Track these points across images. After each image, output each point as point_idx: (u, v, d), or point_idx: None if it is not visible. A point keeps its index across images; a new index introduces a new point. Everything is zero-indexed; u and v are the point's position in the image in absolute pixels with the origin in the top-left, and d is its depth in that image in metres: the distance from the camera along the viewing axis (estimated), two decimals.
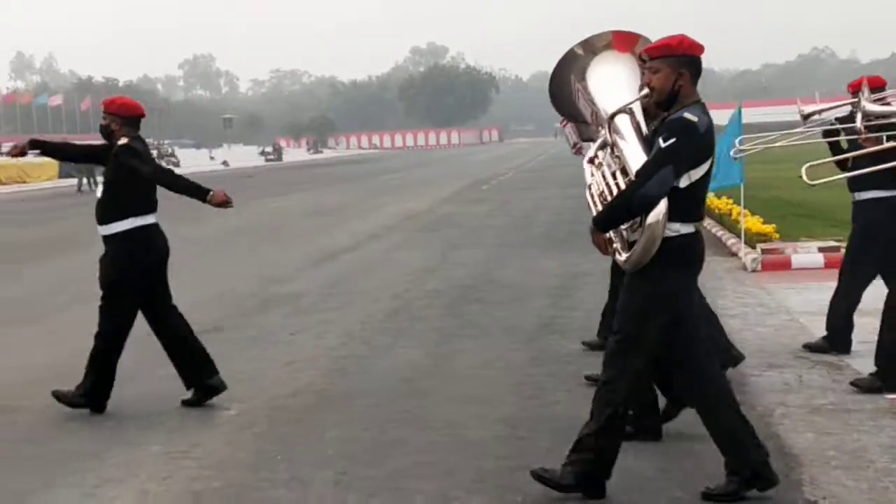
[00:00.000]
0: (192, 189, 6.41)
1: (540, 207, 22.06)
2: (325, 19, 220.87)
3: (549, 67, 5.39)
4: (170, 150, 67.31)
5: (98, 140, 6.76)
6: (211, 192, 6.37)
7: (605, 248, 4.76)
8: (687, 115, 4.52)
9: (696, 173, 4.52)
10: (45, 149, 6.64)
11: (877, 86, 6.79)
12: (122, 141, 6.44)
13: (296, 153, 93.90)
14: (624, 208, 4.56)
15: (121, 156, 6.38)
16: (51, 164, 49.32)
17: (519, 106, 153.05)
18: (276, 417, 6.32)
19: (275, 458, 5.50)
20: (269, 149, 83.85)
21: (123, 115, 6.55)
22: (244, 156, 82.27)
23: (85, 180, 38.13)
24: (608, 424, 4.58)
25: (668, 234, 4.53)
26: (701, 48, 4.63)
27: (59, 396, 6.47)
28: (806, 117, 7.75)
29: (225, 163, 70.49)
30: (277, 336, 8.74)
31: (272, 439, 5.88)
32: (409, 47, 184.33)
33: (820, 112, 7.73)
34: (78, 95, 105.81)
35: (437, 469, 5.18)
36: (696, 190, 4.55)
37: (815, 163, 5.94)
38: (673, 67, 4.56)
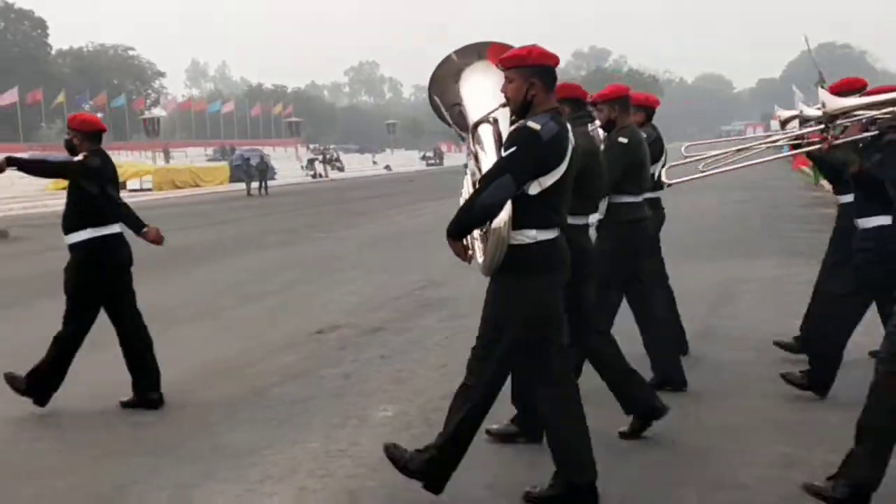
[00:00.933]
0: (130, 219, 6.74)
1: (702, 212, 21.64)
2: (488, 26, 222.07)
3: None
4: (335, 155, 68.99)
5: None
6: (145, 228, 6.75)
7: (463, 255, 4.75)
8: (530, 123, 4.57)
9: (548, 180, 4.55)
10: (22, 165, 6.89)
11: (855, 87, 6.57)
12: (80, 157, 6.78)
13: (457, 157, 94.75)
14: (467, 216, 4.58)
15: (75, 172, 6.74)
16: (223, 168, 51.30)
17: (684, 108, 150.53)
18: (431, 420, 6.41)
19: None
20: (430, 153, 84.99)
21: (84, 130, 6.89)
22: (406, 160, 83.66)
23: (255, 184, 39.51)
24: (456, 430, 4.76)
25: (525, 240, 4.59)
26: (553, 58, 4.71)
27: (9, 379, 6.86)
28: (784, 123, 7.47)
29: (387, 167, 71.80)
30: (433, 339, 8.86)
31: (428, 441, 5.97)
32: (571, 51, 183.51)
33: (796, 117, 7.34)
34: (248, 102, 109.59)
35: (622, 483, 5.15)
36: (550, 197, 4.58)
37: (675, 163, 6.47)
38: (525, 77, 4.64)
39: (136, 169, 46.70)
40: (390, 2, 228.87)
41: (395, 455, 4.92)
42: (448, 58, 5.28)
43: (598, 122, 6.60)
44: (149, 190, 44.26)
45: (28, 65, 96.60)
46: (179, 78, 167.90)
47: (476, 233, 4.73)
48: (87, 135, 6.87)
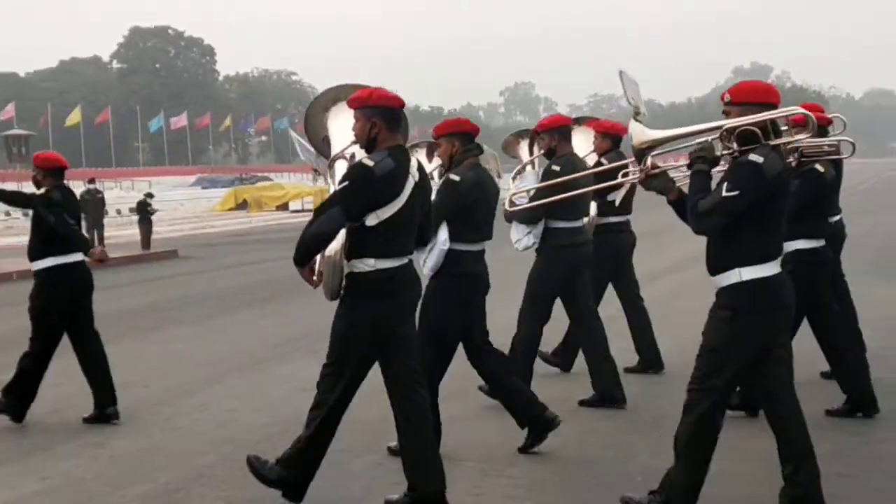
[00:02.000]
0: (81, 243, 7.34)
1: (872, 233, 20.85)
2: (647, 48, 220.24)
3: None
4: (500, 175, 69.32)
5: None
6: (91, 249, 7.39)
7: (310, 280, 5.07)
8: (365, 160, 4.95)
9: (385, 213, 4.90)
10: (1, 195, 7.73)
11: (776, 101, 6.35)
12: (41, 191, 7.37)
13: None
14: (303, 244, 4.94)
15: (37, 205, 7.33)
16: None
17: (851, 125, 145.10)
18: (587, 441, 6.36)
19: (588, 483, 5.54)
20: None
21: (45, 167, 7.47)
22: None
23: None
24: (306, 445, 5.07)
25: (364, 268, 4.95)
26: (395, 100, 5.09)
27: None
28: (643, 151, 7.03)
29: None
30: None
31: (583, 462, 5.93)
32: (731, 67, 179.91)
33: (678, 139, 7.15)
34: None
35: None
36: (388, 228, 4.91)
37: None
38: (367, 117, 5.02)
39: (298, 191, 47.88)
40: (547, 24, 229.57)
41: (254, 465, 5.20)
42: (325, 92, 5.74)
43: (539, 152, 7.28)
44: (310, 211, 45.25)
45: (197, 90, 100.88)
46: None
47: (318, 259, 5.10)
48: (50, 171, 7.47)
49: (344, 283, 5.02)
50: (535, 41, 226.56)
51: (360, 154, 5.16)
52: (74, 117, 74.63)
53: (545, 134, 6.97)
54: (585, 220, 7.32)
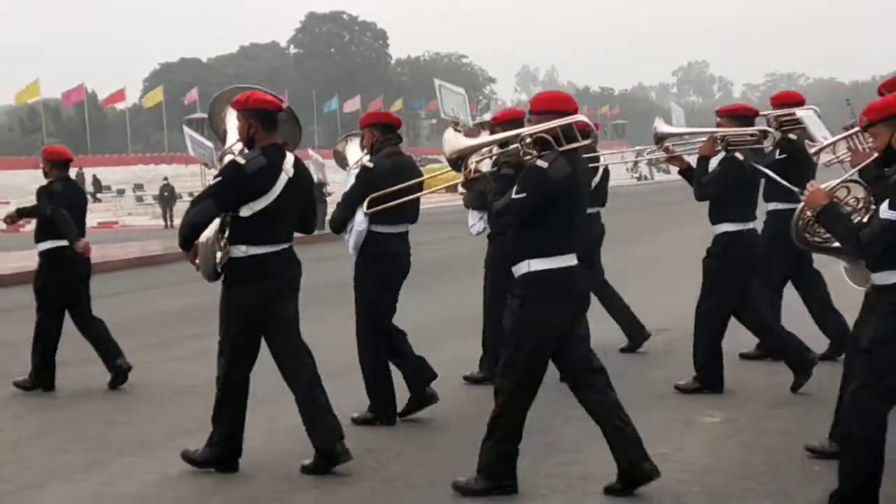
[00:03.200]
0: (69, 233, 8.03)
1: None
2: (827, 21, 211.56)
3: None
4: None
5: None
6: (76, 242, 8.01)
7: (193, 263, 5.82)
8: (238, 158, 5.63)
9: (257, 205, 5.52)
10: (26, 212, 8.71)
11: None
12: (45, 182, 8.25)
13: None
14: (181, 232, 5.68)
15: (40, 194, 8.20)
16: None
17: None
18: (759, 427, 6.23)
19: (758, 469, 5.44)
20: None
21: (52, 160, 8.30)
22: None
23: None
24: (214, 416, 5.74)
25: (238, 254, 5.59)
26: (271, 104, 5.66)
27: (18, 384, 8.19)
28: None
29: None
30: (751, 346, 8.41)
31: (756, 450, 5.81)
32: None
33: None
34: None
35: None
36: (261, 218, 5.54)
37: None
38: (245, 118, 5.62)
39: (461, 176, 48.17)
40: (721, 1, 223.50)
41: (186, 454, 5.83)
42: (224, 91, 6.37)
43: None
44: None
45: (369, 74, 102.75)
46: (510, 83, 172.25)
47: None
48: (56, 164, 8.29)
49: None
50: (711, 19, 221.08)
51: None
52: None
53: (499, 127, 7.11)
54: None
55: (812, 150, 6.92)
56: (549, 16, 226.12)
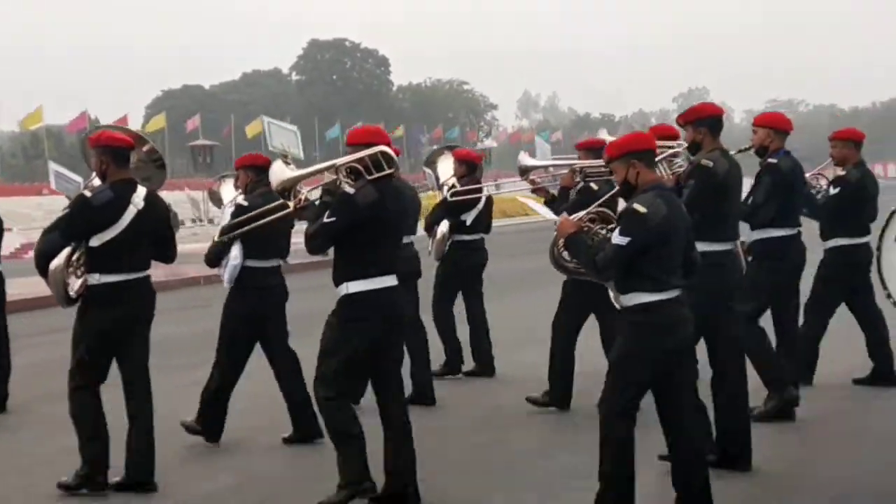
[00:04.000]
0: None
1: None
2: (824, 48, 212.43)
3: None
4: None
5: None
6: None
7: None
8: (85, 191, 6.19)
9: (105, 235, 5.99)
10: None
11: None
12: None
13: None
14: (35, 261, 6.21)
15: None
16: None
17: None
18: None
19: None
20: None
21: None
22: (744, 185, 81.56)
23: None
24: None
25: (92, 281, 6.06)
26: (120, 140, 6.16)
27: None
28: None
29: None
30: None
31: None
32: None
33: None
34: (576, 131, 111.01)
35: None
36: (111, 248, 6.02)
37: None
38: (98, 154, 6.16)
39: None
40: (720, 30, 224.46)
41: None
42: (93, 129, 6.97)
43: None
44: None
45: (371, 100, 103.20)
46: (511, 109, 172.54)
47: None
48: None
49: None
50: (710, 44, 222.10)
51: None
52: (255, 128, 77.22)
53: (463, 165, 7.89)
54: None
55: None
56: (550, 41, 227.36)
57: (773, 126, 7.52)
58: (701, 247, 5.66)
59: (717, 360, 6.25)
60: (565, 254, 5.74)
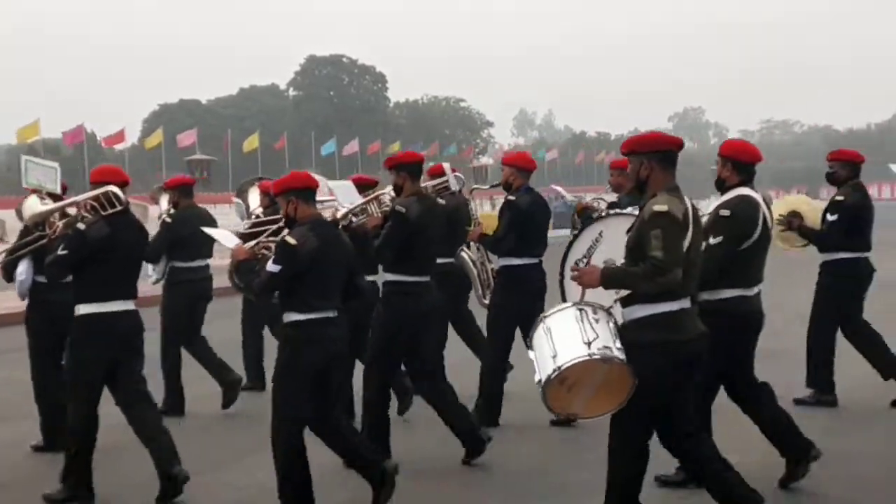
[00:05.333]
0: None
1: None
2: (818, 70, 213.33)
3: None
4: None
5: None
6: None
7: None
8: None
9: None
10: None
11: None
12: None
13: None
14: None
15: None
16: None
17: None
18: None
19: None
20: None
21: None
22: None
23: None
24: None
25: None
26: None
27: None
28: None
29: None
30: None
31: None
32: None
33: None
34: (572, 149, 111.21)
35: None
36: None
37: None
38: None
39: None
40: (713, 48, 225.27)
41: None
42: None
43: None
44: None
45: (368, 117, 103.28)
46: (507, 126, 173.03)
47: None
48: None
49: None
50: (706, 66, 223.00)
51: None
52: (252, 143, 77.51)
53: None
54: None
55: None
56: (547, 60, 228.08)
57: (517, 166, 8.25)
58: (393, 277, 6.99)
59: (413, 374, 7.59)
60: (235, 277, 6.41)
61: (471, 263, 5.34)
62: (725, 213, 6.16)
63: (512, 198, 8.01)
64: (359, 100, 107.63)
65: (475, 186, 9.25)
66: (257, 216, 8.91)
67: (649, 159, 5.16)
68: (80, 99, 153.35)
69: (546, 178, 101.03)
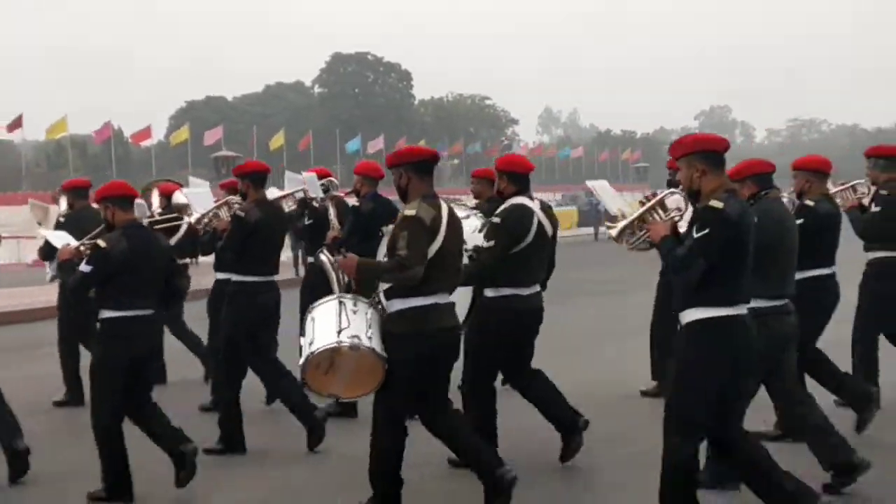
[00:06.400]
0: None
1: None
2: (842, 69, 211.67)
3: None
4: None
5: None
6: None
7: None
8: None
9: None
10: None
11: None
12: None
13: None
14: None
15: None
16: (570, 212, 51.99)
17: None
18: None
19: None
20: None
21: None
22: None
23: (602, 229, 39.91)
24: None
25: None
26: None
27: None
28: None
29: None
30: None
31: None
32: None
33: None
34: (597, 148, 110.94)
35: None
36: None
37: None
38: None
39: None
40: (740, 45, 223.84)
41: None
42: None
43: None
44: None
45: (393, 114, 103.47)
46: (532, 124, 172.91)
47: None
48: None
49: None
50: (733, 63, 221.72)
51: None
52: (278, 140, 77.84)
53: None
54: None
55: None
56: (573, 59, 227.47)
57: (365, 174, 8.94)
58: (238, 278, 7.71)
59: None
60: (59, 274, 6.95)
61: (329, 265, 5.77)
62: (496, 220, 6.76)
63: (356, 204, 8.88)
64: (384, 97, 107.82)
65: (334, 193, 9.44)
66: (155, 216, 9.46)
67: (406, 170, 5.83)
68: (106, 96, 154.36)
69: (571, 176, 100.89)
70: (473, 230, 6.87)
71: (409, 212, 5.65)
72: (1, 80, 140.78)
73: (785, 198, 7.00)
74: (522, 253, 6.70)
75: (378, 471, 5.73)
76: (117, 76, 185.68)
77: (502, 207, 6.90)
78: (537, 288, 6.94)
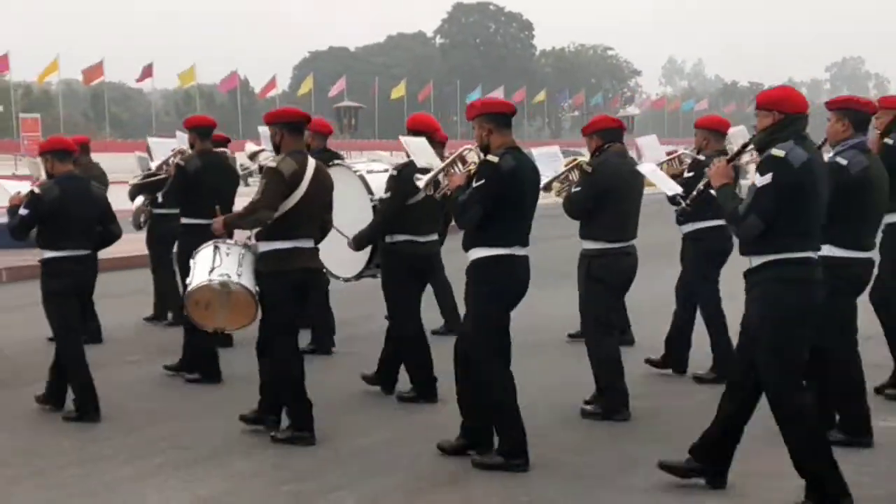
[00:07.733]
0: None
1: None
2: None
3: None
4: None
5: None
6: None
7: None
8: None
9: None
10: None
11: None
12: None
13: None
14: None
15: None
16: None
17: None
18: None
19: None
20: None
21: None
22: None
23: None
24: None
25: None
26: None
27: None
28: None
29: None
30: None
31: None
32: None
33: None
34: (723, 100, 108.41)
35: None
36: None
37: None
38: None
39: None
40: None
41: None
42: None
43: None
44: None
45: (514, 65, 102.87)
46: (655, 76, 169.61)
47: None
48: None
49: None
50: (867, 14, 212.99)
51: None
52: (399, 91, 78.24)
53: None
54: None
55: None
56: (696, 13, 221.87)
57: (315, 130, 8.77)
58: (187, 220, 8.32)
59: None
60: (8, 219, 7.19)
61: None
62: (393, 173, 7.22)
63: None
64: (505, 48, 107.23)
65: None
66: (150, 170, 9.80)
67: (280, 128, 6.45)
68: (231, 45, 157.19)
69: (681, 129, 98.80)
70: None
71: (271, 164, 6.37)
72: (126, 33, 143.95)
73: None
74: (417, 205, 7.06)
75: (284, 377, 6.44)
76: (241, 30, 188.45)
77: (399, 162, 7.36)
78: (435, 238, 7.49)
